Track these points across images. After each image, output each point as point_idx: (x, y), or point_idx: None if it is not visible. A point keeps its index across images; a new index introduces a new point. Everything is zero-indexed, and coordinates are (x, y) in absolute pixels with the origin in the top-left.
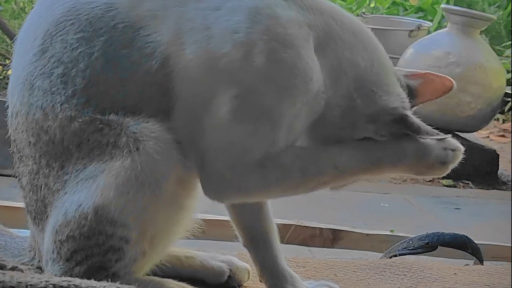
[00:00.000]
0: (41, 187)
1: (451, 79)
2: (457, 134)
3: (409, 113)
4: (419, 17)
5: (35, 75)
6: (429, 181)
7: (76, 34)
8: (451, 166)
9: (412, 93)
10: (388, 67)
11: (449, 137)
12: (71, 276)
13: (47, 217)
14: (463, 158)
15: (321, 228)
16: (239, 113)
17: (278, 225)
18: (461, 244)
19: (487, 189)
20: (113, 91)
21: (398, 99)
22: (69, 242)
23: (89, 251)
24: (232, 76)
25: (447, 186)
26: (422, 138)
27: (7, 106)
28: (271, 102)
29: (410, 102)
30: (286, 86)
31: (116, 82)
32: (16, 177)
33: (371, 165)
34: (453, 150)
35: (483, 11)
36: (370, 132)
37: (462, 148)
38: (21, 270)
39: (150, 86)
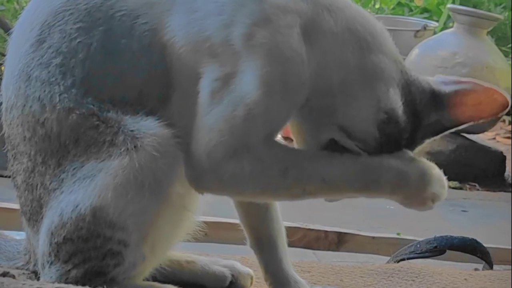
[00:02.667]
0: (36, 186)
1: (504, 93)
2: (463, 136)
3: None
4: (425, 18)
5: (32, 66)
6: None
7: (75, 24)
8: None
9: (441, 102)
10: (385, 72)
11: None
12: (67, 279)
13: (42, 217)
14: (470, 160)
15: (326, 231)
16: (217, 97)
17: None
18: (470, 248)
19: (494, 191)
20: (113, 83)
21: (383, 114)
22: (67, 245)
23: (87, 254)
24: (213, 59)
25: (453, 188)
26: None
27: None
28: (247, 89)
29: (438, 114)
30: (261, 74)
31: (116, 74)
32: (10, 176)
33: (365, 186)
34: (443, 187)
35: (489, 11)
36: (338, 137)
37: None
38: (13, 276)
39: (152, 79)
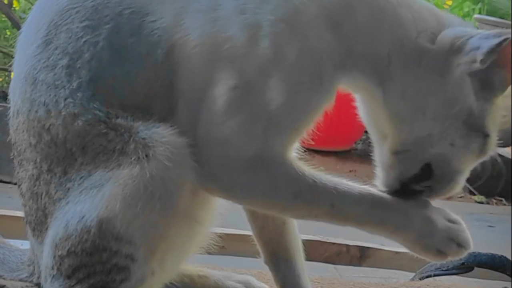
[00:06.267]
0: (41, 195)
1: None
2: None
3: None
4: None
5: (39, 69)
6: (460, 197)
7: (81, 22)
8: (448, 259)
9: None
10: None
11: (461, 227)
12: None
13: (47, 228)
14: (496, 174)
15: (348, 245)
16: (235, 106)
17: (302, 241)
18: (499, 265)
19: None
20: (119, 85)
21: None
22: (70, 258)
23: (92, 268)
24: (234, 64)
25: (479, 202)
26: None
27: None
28: (271, 96)
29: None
30: (289, 76)
31: (122, 75)
32: (16, 183)
33: (370, 222)
34: (459, 245)
35: None
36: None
37: (470, 247)
38: None
39: (156, 81)
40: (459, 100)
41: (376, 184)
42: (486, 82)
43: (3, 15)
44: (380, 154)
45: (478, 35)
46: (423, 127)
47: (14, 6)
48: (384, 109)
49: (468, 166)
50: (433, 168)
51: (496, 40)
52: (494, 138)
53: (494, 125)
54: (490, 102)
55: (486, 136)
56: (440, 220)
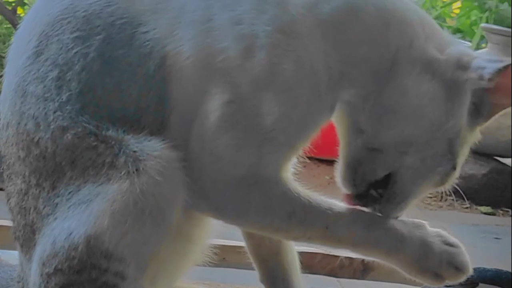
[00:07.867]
0: (29, 210)
1: None
2: (496, 159)
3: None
4: (457, 38)
5: (28, 81)
6: (466, 207)
7: (72, 33)
8: (446, 282)
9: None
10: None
11: (459, 251)
12: None
13: (35, 245)
14: (503, 184)
15: (350, 258)
16: (229, 121)
17: (304, 254)
18: (505, 282)
19: None
20: (110, 97)
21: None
22: (57, 276)
23: (80, 287)
24: (228, 76)
25: (485, 213)
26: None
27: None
28: (266, 113)
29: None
30: (286, 89)
31: (113, 87)
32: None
33: (364, 244)
34: (456, 268)
35: None
36: None
37: (469, 271)
38: None
39: (148, 93)
40: (456, 115)
41: (338, 181)
42: (477, 108)
43: (7, 22)
44: (347, 148)
45: (482, 57)
46: (413, 131)
47: (18, 12)
48: (374, 104)
49: (422, 191)
50: (393, 179)
51: (501, 63)
52: (457, 173)
53: (461, 160)
54: (471, 131)
55: (453, 167)
56: (437, 243)
